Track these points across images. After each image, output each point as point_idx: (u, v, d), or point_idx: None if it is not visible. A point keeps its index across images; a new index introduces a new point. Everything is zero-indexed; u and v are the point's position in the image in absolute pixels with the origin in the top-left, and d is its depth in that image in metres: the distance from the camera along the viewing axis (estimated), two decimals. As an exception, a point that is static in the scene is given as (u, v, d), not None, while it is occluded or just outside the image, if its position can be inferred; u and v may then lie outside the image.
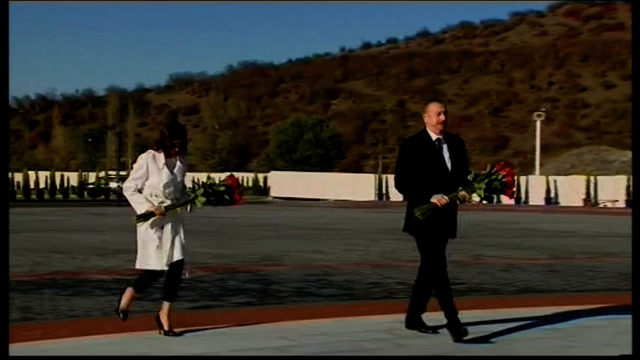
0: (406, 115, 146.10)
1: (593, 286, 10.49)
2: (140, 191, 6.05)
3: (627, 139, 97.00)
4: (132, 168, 6.24)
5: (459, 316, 5.98)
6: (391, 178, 63.02)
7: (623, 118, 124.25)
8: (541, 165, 68.10)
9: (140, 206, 5.98)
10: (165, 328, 6.03)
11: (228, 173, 6.52)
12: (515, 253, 15.61)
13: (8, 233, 5.72)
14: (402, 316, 7.09)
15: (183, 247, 6.09)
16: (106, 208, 37.93)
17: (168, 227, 6.04)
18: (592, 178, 55.19)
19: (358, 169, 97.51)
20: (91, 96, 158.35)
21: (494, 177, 6.03)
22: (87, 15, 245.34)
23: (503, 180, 6.03)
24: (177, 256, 6.04)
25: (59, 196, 51.96)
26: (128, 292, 6.17)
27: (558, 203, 53.71)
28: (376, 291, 9.69)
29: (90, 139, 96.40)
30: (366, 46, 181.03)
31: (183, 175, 6.23)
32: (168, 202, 6.03)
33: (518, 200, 53.68)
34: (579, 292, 9.78)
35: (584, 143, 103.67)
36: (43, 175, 57.43)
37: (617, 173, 61.18)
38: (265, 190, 64.39)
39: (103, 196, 51.58)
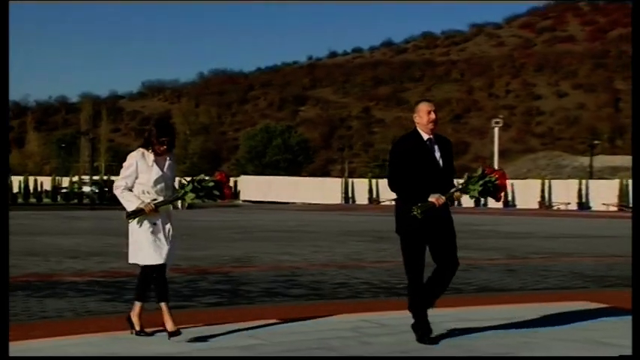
0: (371, 121, 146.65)
1: (548, 285, 10.60)
2: (131, 190, 5.86)
3: (579, 145, 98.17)
4: (122, 166, 6.01)
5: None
6: (357, 182, 63.42)
7: (575, 125, 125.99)
8: (499, 169, 68.71)
9: (130, 204, 5.79)
10: (170, 329, 5.77)
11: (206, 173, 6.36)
12: (475, 253, 15.68)
13: (8, 235, 5.61)
14: (368, 315, 7.08)
15: (174, 247, 6.01)
16: (79, 211, 37.50)
17: (159, 225, 5.87)
18: (546, 181, 55.93)
19: (325, 173, 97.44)
20: (65, 102, 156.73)
21: (487, 179, 5.91)
22: (60, 22, 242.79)
23: (497, 183, 5.94)
24: (170, 258, 5.92)
25: (33, 200, 51.29)
26: (138, 309, 5.97)
27: (515, 206, 54.27)
28: (342, 291, 9.68)
29: (63, 145, 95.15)
30: (333, 55, 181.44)
31: (173, 173, 6.04)
32: (159, 200, 5.84)
33: (477, 203, 54.10)
34: (535, 291, 9.87)
35: (539, 149, 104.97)
36: (17, 179, 56.66)
37: (569, 177, 62.10)
38: (236, 194, 64.19)
39: (76, 200, 51.01)
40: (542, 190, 54.56)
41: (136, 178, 5.85)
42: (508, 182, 6.15)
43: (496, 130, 67.86)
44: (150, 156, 5.86)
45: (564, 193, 53.84)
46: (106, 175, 65.02)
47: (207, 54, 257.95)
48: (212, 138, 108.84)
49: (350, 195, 61.05)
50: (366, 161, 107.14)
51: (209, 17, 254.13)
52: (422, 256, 5.89)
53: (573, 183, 54.79)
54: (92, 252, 14.54)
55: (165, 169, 5.92)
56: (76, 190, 54.52)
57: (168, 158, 5.96)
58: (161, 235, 5.86)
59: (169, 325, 5.74)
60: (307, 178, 71.75)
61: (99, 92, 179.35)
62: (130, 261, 5.96)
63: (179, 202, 5.96)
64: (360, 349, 5.67)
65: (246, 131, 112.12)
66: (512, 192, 55.69)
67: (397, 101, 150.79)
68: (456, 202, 5.99)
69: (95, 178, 60.59)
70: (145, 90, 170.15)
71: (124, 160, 5.98)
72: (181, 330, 5.77)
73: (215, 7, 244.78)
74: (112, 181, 67.14)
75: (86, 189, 53.87)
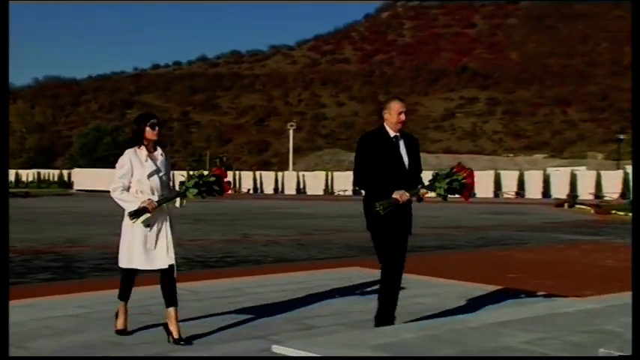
0: (189, 123, 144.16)
1: (329, 255, 10.93)
2: (128, 190, 4.66)
3: (354, 144, 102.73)
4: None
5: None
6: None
7: (351, 129, 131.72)
8: (294, 163, 70.21)
9: (130, 204, 4.56)
10: (175, 336, 4.59)
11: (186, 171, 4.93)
12: (273, 231, 15.89)
13: (8, 231, 4.82)
14: (183, 284, 6.93)
15: (171, 248, 4.72)
16: None
17: (156, 226, 4.66)
18: (330, 173, 57.89)
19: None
20: None
21: (455, 177, 4.89)
22: None
23: (464, 181, 4.87)
24: (166, 261, 4.68)
25: None
26: (121, 308, 4.85)
27: (306, 192, 55.67)
28: (163, 265, 9.41)
29: None
30: (156, 66, 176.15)
31: (168, 171, 4.84)
32: (155, 198, 4.62)
33: (276, 190, 54.92)
34: (319, 260, 10.15)
35: (324, 147, 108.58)
36: None
37: (347, 169, 64.77)
38: (69, 184, 60.53)
39: None
40: (327, 180, 56.41)
41: (131, 176, 4.66)
42: (475, 180, 4.99)
43: (291, 131, 69.26)
44: (142, 152, 4.70)
45: (343, 182, 56.01)
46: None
47: (41, 61, 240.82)
48: (47, 136, 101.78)
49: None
50: (184, 156, 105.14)
51: (43, 26, 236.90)
52: (396, 245, 4.90)
53: (350, 174, 57.11)
54: None
55: (158, 164, 4.73)
56: None
57: (161, 154, 4.78)
58: (154, 240, 4.65)
59: (175, 332, 4.59)
60: (134, 170, 69.06)
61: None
62: (122, 265, 4.75)
63: (179, 199, 4.70)
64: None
65: (79, 130, 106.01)
66: (304, 181, 57.06)
67: (211, 107, 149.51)
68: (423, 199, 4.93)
69: None
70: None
71: None
72: (184, 338, 4.59)
73: (48, 18, 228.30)
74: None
75: None
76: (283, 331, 4.86)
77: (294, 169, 64.59)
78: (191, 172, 4.79)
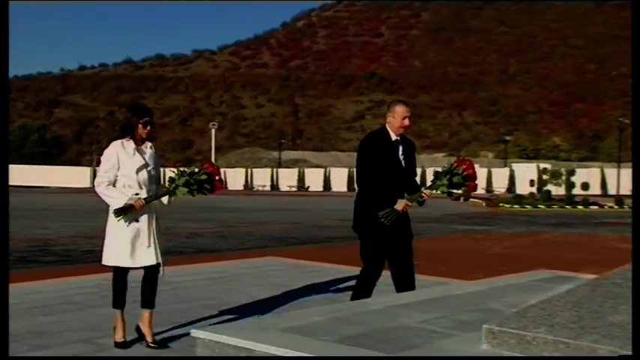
0: (115, 122, 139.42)
1: (249, 246, 10.90)
2: (114, 185, 4.07)
3: (271, 143, 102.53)
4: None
5: None
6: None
7: (269, 129, 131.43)
8: (216, 161, 69.31)
9: (115, 200, 3.99)
10: (149, 339, 4.09)
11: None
12: (195, 224, 15.67)
13: (8, 229, 4.34)
14: (109, 275, 6.71)
15: (158, 247, 4.23)
16: None
17: (143, 222, 4.12)
18: (249, 170, 57.63)
19: (77, 163, 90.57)
20: None
21: (455, 172, 4.50)
22: None
23: (465, 174, 4.49)
24: (152, 259, 4.16)
25: None
26: (116, 318, 4.16)
27: (227, 188, 55.21)
28: (89, 256, 9.07)
29: None
30: (82, 68, 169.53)
31: (157, 165, 4.25)
32: (143, 193, 4.09)
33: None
34: (239, 250, 10.10)
35: (244, 145, 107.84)
36: None
37: (265, 167, 64.73)
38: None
39: None
40: (247, 176, 56.15)
41: (117, 170, 4.06)
42: (476, 171, 4.63)
43: (213, 130, 68.33)
44: (130, 145, 4.09)
45: (262, 178, 55.95)
46: None
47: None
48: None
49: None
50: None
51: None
52: (382, 255, 4.47)
53: (268, 171, 57.17)
54: None
55: (147, 158, 4.14)
56: None
57: (149, 147, 4.19)
58: (142, 237, 4.12)
59: (149, 337, 4.09)
60: (61, 166, 66.16)
61: None
62: (106, 263, 4.18)
63: (167, 196, 4.21)
64: (99, 301, 5.37)
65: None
66: (225, 177, 56.53)
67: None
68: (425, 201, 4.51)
69: None
70: None
71: None
72: (158, 342, 4.11)
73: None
74: None
75: None
76: (203, 317, 4.81)
77: (216, 166, 63.79)
78: (182, 169, 4.30)
